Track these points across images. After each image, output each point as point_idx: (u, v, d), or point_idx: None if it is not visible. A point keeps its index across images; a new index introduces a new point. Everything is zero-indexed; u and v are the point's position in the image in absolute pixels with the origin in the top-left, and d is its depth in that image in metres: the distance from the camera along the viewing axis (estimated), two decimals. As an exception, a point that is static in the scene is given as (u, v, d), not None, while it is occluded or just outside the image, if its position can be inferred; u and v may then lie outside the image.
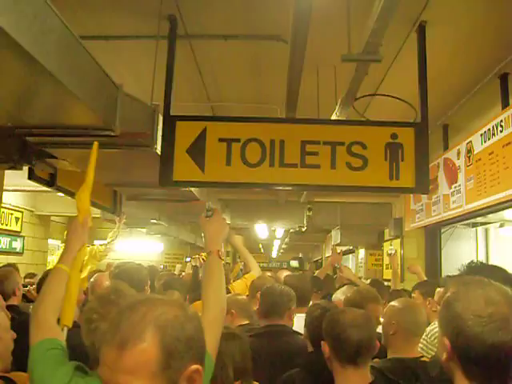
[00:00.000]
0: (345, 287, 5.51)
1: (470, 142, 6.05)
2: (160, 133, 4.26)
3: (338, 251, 8.07)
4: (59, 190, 6.60)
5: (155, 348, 1.41)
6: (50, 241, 12.90)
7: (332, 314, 2.98)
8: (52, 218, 12.67)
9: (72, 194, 7.05)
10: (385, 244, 10.58)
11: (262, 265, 30.36)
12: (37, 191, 9.00)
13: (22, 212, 11.15)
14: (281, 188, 4.45)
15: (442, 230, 8.74)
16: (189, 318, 1.51)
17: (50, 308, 2.43)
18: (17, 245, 11.16)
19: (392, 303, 3.68)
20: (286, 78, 4.26)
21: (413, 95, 4.33)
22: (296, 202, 9.89)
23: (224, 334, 2.45)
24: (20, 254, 11.18)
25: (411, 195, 8.53)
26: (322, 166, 4.14)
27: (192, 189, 6.42)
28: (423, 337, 4.37)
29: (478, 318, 1.67)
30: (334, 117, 4.65)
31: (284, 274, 6.33)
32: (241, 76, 5.66)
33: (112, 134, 3.81)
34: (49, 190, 6.83)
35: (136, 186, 6.56)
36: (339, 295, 5.25)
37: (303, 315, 3.90)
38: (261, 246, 25.17)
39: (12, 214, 10.89)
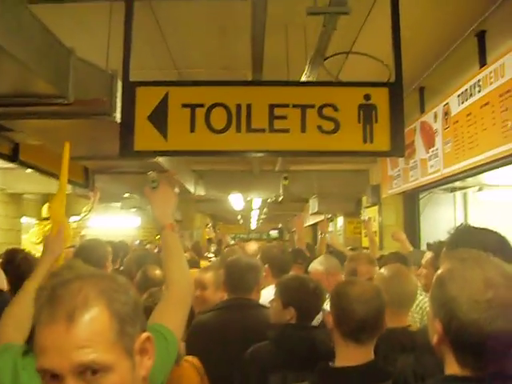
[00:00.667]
0: (321, 257, 5.35)
1: (447, 103, 5.85)
2: (119, 100, 4.00)
3: (323, 218, 8.05)
4: (23, 164, 6.35)
5: (106, 313, 1.31)
6: (24, 219, 12.60)
7: (340, 286, 2.81)
8: (25, 195, 12.30)
9: (38, 170, 6.81)
10: (362, 212, 10.44)
11: (241, 236, 30.40)
12: (5, 168, 8.77)
13: None
14: (248, 155, 4.22)
15: (420, 196, 8.61)
16: (128, 286, 1.43)
17: (12, 328, 2.28)
18: None
19: (380, 271, 3.51)
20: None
21: (387, 56, 4.09)
22: (271, 171, 9.71)
23: None
24: None
25: (388, 161, 8.37)
26: (292, 130, 3.91)
27: (160, 160, 6.18)
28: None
29: (475, 304, 1.49)
30: (303, 78, 4.41)
31: (252, 246, 6.19)
32: (207, 39, 5.38)
33: (65, 101, 3.55)
34: (13, 166, 6.60)
35: (102, 159, 6.29)
36: (316, 265, 5.09)
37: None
38: (239, 217, 24.98)
39: None
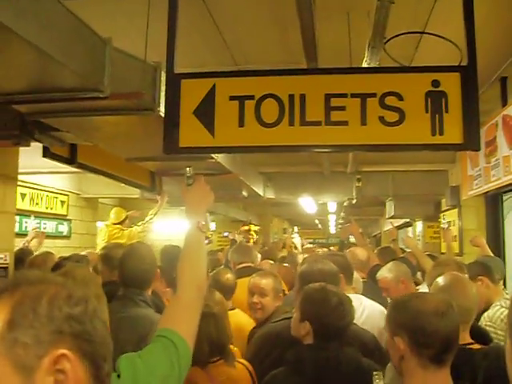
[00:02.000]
0: (391, 263, 4.92)
1: (532, 93, 5.30)
2: (163, 94, 3.73)
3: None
4: (81, 167, 6.22)
5: (4, 311, 1.18)
6: (99, 223, 12.68)
7: (406, 301, 2.39)
8: (100, 200, 12.37)
9: (96, 172, 6.68)
10: (441, 215, 9.84)
11: (320, 240, 29.99)
12: (78, 173, 8.78)
13: (67, 195, 10.93)
14: (303, 150, 3.85)
15: (504, 198, 7.98)
16: (76, 299, 1.25)
17: None
18: (63, 228, 10.95)
19: (438, 279, 3.06)
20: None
21: (460, 40, 3.64)
22: (343, 172, 9.27)
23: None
24: (67, 237, 10.97)
25: (468, 159, 7.80)
26: (351, 122, 3.51)
27: (220, 161, 5.89)
28: (487, 322, 3.75)
29: None
30: (364, 65, 4.00)
31: (265, 265, 6.01)
32: (264, 32, 5.05)
33: (101, 95, 3.30)
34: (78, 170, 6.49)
35: (164, 160, 6.06)
36: (385, 272, 4.69)
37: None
38: (317, 221, 24.60)
39: (57, 197, 10.69)
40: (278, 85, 3.63)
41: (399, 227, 16.01)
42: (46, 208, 10.23)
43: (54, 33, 2.78)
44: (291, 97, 3.58)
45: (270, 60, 5.47)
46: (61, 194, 10.71)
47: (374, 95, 3.53)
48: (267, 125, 3.57)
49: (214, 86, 3.67)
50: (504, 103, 6.32)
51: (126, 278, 3.56)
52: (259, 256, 6.92)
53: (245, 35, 5.12)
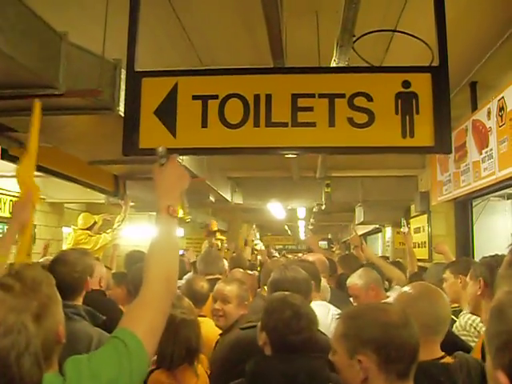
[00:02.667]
0: (360, 270, 4.80)
1: (502, 98, 5.23)
2: (123, 93, 3.55)
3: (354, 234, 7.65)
4: (41, 170, 6.00)
5: None
6: (65, 229, 12.40)
7: (365, 314, 2.16)
8: (66, 205, 12.12)
9: (57, 175, 6.46)
10: (411, 221, 9.77)
11: (290, 247, 29.91)
12: (43, 177, 8.52)
13: None
14: (268, 152, 3.69)
15: (474, 204, 7.95)
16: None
17: None
18: None
19: (405, 289, 2.90)
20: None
21: (432, 41, 3.53)
22: (312, 177, 9.13)
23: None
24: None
25: (437, 165, 7.75)
26: (319, 123, 3.37)
27: (186, 164, 5.72)
28: (461, 332, 3.66)
29: None
30: (333, 65, 3.87)
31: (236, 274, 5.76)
32: (232, 33, 4.90)
33: (56, 92, 3.11)
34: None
35: (125, 163, 5.85)
36: (355, 279, 4.56)
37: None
38: (287, 227, 24.49)
39: None
40: (243, 84, 3.48)
41: (369, 233, 16.00)
42: (10, 213, 9.87)
43: (3, 25, 2.60)
44: (256, 97, 3.43)
45: (238, 62, 5.32)
46: (24, 198, 10.41)
47: (342, 96, 3.39)
48: (231, 126, 3.41)
49: (177, 84, 3.50)
50: (474, 108, 6.27)
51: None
52: (227, 264, 6.71)
53: (212, 37, 4.98)
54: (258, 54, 4.92)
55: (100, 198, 9.41)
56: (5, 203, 9.98)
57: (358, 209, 11.39)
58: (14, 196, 9.90)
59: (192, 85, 3.52)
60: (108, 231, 8.74)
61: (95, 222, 9.06)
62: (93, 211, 12.30)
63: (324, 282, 4.56)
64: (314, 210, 12.54)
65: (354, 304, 4.54)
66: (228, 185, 9.40)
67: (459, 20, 4.22)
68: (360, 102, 3.38)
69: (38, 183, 9.21)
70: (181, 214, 2.35)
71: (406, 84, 3.38)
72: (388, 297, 4.51)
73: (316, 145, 3.41)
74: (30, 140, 2.60)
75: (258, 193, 10.24)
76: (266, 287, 4.12)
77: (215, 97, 3.46)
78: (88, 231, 8.87)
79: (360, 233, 15.95)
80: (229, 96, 3.45)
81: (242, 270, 5.98)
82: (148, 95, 3.50)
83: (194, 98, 3.47)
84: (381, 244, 14.90)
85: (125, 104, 3.51)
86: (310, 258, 5.16)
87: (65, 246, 11.91)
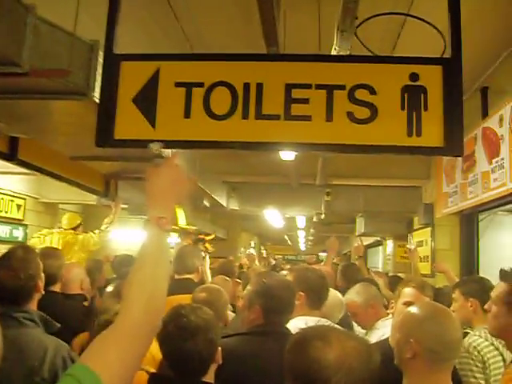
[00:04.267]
0: (358, 286, 4.44)
1: (516, 103, 4.88)
2: (100, 78, 3.19)
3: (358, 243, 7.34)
4: (22, 165, 5.66)
5: None
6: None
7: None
8: (61, 206, 11.83)
9: (40, 170, 6.10)
10: (414, 234, 9.41)
11: (290, 257, 29.60)
12: (37, 176, 8.23)
13: (24, 199, 10.53)
14: (256, 148, 3.32)
15: (480, 218, 7.59)
16: None
17: None
18: (18, 234, 10.59)
19: (410, 309, 2.53)
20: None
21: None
22: (311, 185, 8.79)
23: None
24: (22, 243, 10.21)
25: (443, 175, 7.38)
26: (315, 117, 3.02)
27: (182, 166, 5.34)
28: (463, 354, 3.33)
29: None
30: (333, 53, 3.52)
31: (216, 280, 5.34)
32: (226, 22, 4.56)
33: (19, 70, 2.76)
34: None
35: (105, 160, 5.49)
36: (353, 296, 4.24)
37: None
38: (286, 237, 24.17)
39: (13, 200, 10.30)
40: (232, 71, 3.14)
41: (369, 246, 15.64)
42: (0, 211, 9.89)
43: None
44: (246, 86, 3.08)
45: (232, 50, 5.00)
46: (17, 197, 10.32)
47: (342, 87, 3.05)
48: (217, 117, 3.07)
49: (158, 70, 3.15)
50: (484, 115, 5.92)
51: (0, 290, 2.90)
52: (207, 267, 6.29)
53: (205, 25, 4.66)
54: (252, 44, 4.55)
55: (94, 199, 9.13)
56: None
57: (358, 219, 11.08)
58: (5, 194, 9.84)
59: (176, 71, 3.17)
60: (95, 231, 8.38)
61: (80, 223, 8.70)
62: (87, 213, 12.03)
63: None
64: (314, 219, 12.23)
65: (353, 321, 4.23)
66: (224, 189, 9.07)
67: (470, 23, 3.90)
68: (362, 94, 3.03)
69: (31, 182, 9.01)
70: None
71: (414, 77, 3.03)
72: (388, 314, 4.16)
73: (311, 141, 3.05)
74: None
75: (255, 199, 9.95)
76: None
77: (200, 84, 3.11)
78: (73, 231, 8.50)
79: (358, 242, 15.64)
80: (215, 84, 3.10)
81: (227, 278, 5.58)
82: (127, 81, 3.14)
83: (177, 85, 3.12)
84: (381, 257, 14.58)
85: (100, 89, 3.15)
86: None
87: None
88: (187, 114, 3.08)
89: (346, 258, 23.19)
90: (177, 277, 4.84)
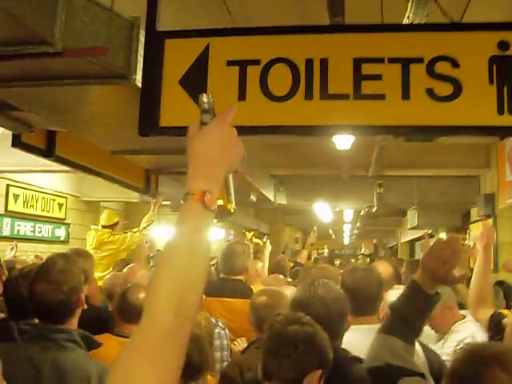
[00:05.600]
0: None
1: None
2: (141, 58, 2.88)
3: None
4: (60, 161, 5.39)
5: None
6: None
7: None
8: (103, 204, 11.68)
9: (78, 167, 5.85)
10: (471, 226, 8.94)
11: (334, 252, 29.17)
12: (78, 174, 8.04)
13: (65, 197, 10.37)
14: (323, 132, 2.95)
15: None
16: None
17: None
18: (61, 233, 10.44)
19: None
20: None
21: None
22: (363, 177, 8.43)
23: None
24: (65, 242, 10.35)
25: (507, 164, 6.89)
26: (389, 95, 2.67)
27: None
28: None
29: None
30: (406, 21, 3.12)
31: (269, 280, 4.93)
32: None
33: (50, 50, 2.43)
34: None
35: (147, 153, 5.18)
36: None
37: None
38: (331, 231, 23.77)
39: (54, 199, 10.15)
40: (292, 46, 2.82)
41: (419, 239, 15.19)
42: (42, 210, 9.72)
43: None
44: (309, 62, 2.76)
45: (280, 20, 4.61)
46: (58, 196, 10.18)
47: (419, 60, 2.71)
48: (276, 98, 2.75)
49: (208, 47, 2.85)
50: None
51: (38, 305, 2.54)
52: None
53: (252, 6, 4.25)
54: (314, 14, 4.11)
55: (137, 197, 9.00)
56: (37, 200, 9.55)
57: (410, 212, 10.67)
58: (46, 193, 9.65)
59: (227, 47, 2.87)
60: (134, 230, 8.11)
61: (118, 222, 8.45)
62: (130, 211, 11.84)
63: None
64: (362, 213, 11.79)
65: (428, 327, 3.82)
66: (271, 183, 8.74)
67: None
68: (443, 68, 2.68)
69: (72, 180, 8.84)
70: (220, 202, 1.47)
71: (504, 45, 2.68)
72: (464, 317, 3.76)
73: (385, 123, 2.71)
74: None
75: (303, 192, 9.59)
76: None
77: (256, 62, 2.80)
78: (110, 229, 8.26)
79: (408, 238, 15.12)
80: (274, 61, 2.79)
81: (281, 276, 5.22)
82: (172, 60, 2.86)
83: (230, 63, 2.83)
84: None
85: (143, 71, 2.83)
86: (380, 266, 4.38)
87: (86, 247, 11.48)
88: (242, 96, 2.79)
89: (391, 252, 22.74)
90: (223, 276, 4.50)
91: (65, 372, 2.32)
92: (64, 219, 10.37)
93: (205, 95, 1.42)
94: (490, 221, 7.85)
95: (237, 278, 4.48)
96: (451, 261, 2.06)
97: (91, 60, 2.61)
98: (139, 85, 2.87)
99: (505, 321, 3.31)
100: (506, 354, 1.47)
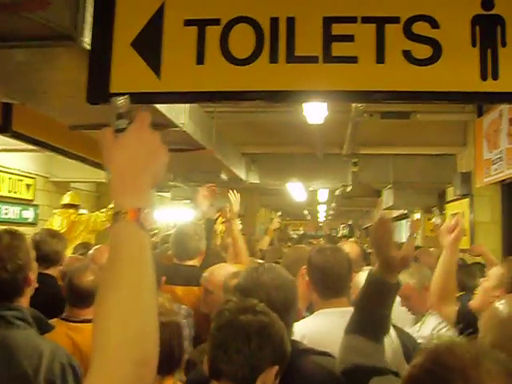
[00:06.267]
0: (412, 267, 3.90)
1: None
2: (90, 19, 2.61)
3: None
4: (17, 137, 5.10)
5: None
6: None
7: None
8: (73, 185, 11.40)
9: (37, 143, 5.57)
10: (447, 206, 8.83)
11: (308, 233, 29.20)
12: (47, 153, 7.74)
13: (34, 178, 10.07)
14: (291, 99, 2.70)
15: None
16: None
17: None
18: (29, 214, 10.12)
19: (497, 305, 1.97)
20: None
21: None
22: (338, 155, 8.26)
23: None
24: (33, 224, 9.97)
25: (484, 142, 6.73)
26: (362, 58, 2.46)
27: (189, 132, 4.75)
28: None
29: None
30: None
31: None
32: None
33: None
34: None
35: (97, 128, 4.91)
36: (407, 278, 3.74)
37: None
38: (306, 212, 23.73)
39: (22, 180, 9.81)
40: (255, 4, 2.58)
41: (394, 219, 15.15)
42: (9, 192, 9.39)
43: None
44: (274, 21, 2.53)
45: None
46: (26, 176, 9.85)
47: (395, 20, 2.50)
48: (238, 61, 2.53)
49: (163, 5, 2.60)
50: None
51: None
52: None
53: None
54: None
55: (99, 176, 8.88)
56: (3, 181, 9.26)
57: (386, 192, 10.59)
58: (13, 173, 9.32)
59: (184, 6, 2.62)
60: (102, 210, 7.85)
61: (79, 205, 8.21)
62: (101, 191, 11.59)
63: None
64: (337, 192, 11.67)
65: (403, 307, 3.74)
66: (242, 162, 8.54)
67: None
68: (421, 28, 2.48)
69: (41, 160, 8.52)
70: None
71: (488, 4, 2.47)
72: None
73: (358, 88, 2.49)
74: None
75: (276, 171, 9.46)
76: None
77: (216, 21, 2.56)
78: (75, 209, 8.02)
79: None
80: (235, 20, 2.56)
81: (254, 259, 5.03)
82: (123, 21, 2.61)
83: (187, 23, 2.58)
84: (406, 231, 14.05)
85: (92, 32, 2.57)
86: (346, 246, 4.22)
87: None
88: (200, 59, 2.55)
89: (366, 233, 22.74)
90: (176, 262, 4.23)
91: (15, 349, 2.18)
92: (32, 200, 10.07)
93: (119, 98, 1.23)
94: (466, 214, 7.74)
95: (190, 263, 4.21)
96: (383, 242, 2.02)
97: (29, 17, 2.33)
98: (88, 47, 2.61)
99: (470, 303, 3.18)
100: (477, 369, 1.21)
